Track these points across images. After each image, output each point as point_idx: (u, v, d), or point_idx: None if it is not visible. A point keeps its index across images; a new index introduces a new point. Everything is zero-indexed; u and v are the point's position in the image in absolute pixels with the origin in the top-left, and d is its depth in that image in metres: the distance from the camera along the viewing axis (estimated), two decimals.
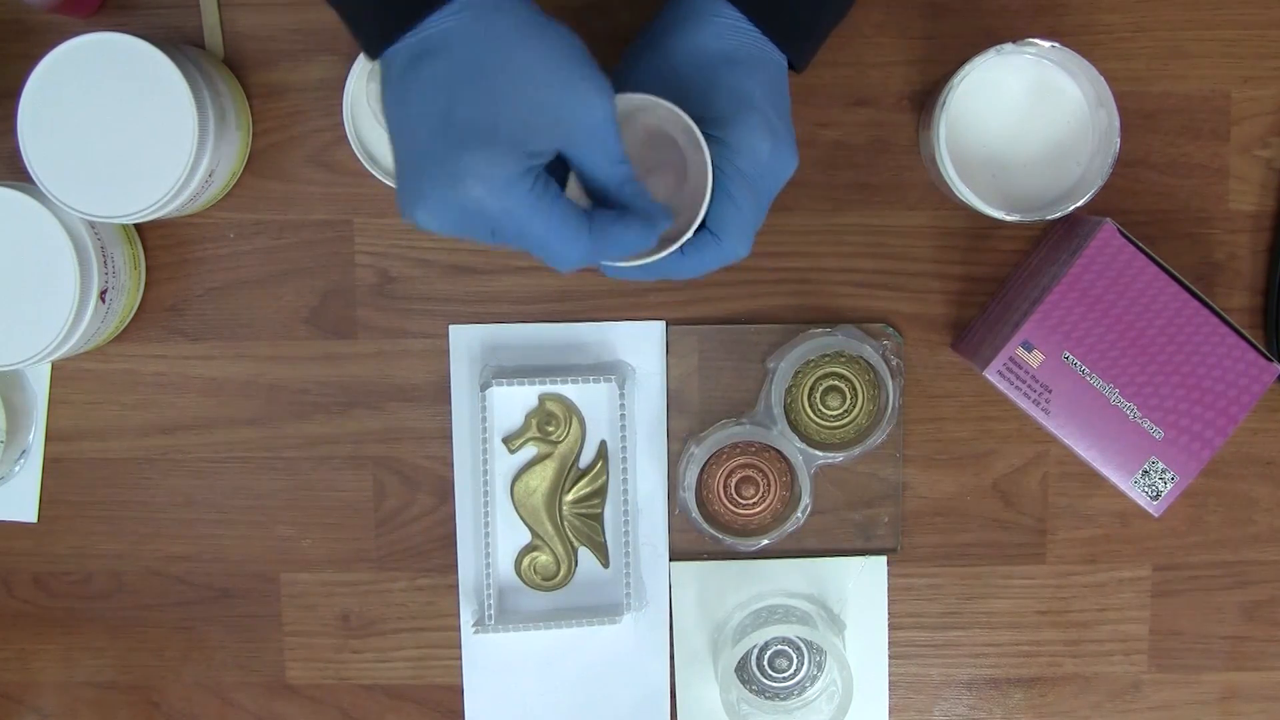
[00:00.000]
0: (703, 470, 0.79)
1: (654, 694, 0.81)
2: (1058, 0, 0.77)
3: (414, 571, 0.81)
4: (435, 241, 0.79)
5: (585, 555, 0.81)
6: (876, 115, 0.78)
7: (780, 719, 0.78)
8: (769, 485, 0.80)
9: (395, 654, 0.81)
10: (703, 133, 0.60)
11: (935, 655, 0.81)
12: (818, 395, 0.79)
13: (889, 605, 0.80)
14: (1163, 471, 0.70)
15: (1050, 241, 0.76)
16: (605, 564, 0.81)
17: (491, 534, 0.78)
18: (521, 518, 0.80)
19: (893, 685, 0.81)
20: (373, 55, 0.59)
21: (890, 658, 0.81)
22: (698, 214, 0.61)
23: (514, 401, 0.79)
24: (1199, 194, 0.78)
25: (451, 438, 0.80)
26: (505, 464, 0.80)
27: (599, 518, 0.80)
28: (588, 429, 0.80)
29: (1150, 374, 0.70)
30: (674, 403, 0.80)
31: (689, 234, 0.61)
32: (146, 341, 0.79)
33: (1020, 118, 0.73)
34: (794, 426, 0.78)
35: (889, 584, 0.80)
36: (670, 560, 0.80)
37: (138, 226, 0.78)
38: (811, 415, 0.79)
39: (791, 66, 0.65)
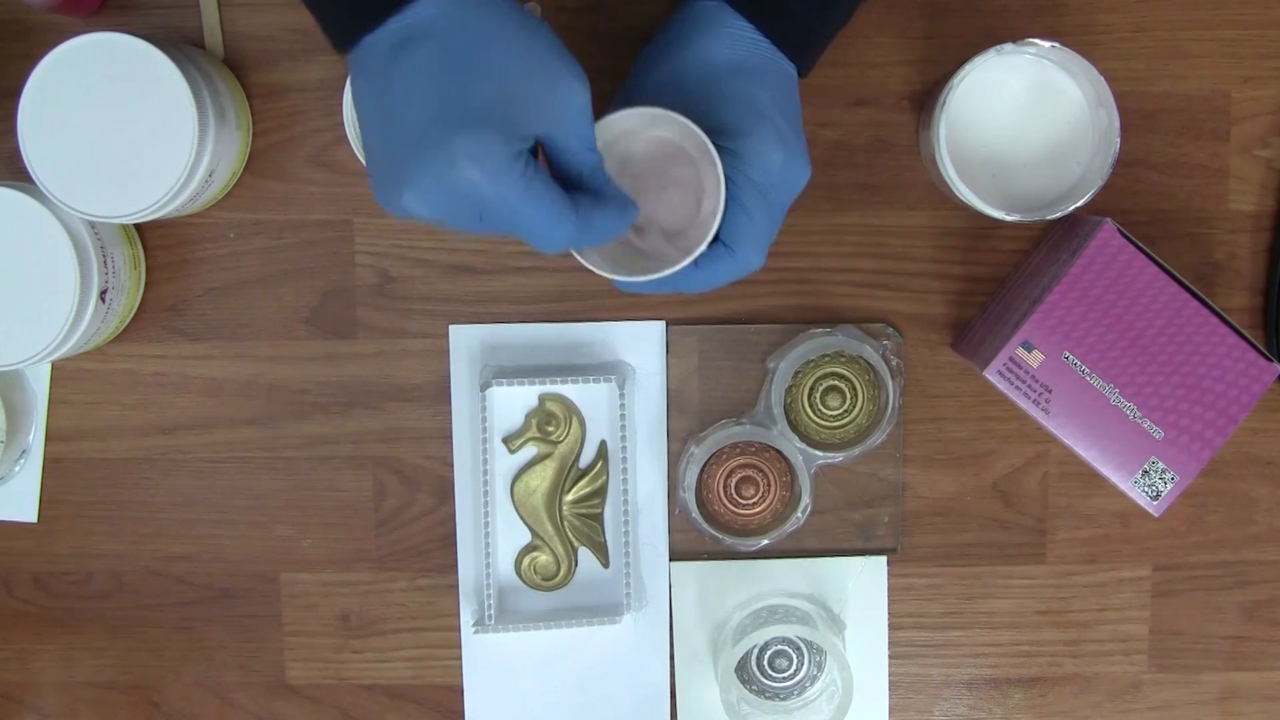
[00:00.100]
0: (703, 470, 0.79)
1: (654, 694, 0.81)
2: (1058, 0, 0.77)
3: (414, 571, 0.81)
4: (435, 241, 0.79)
5: (585, 555, 0.81)
6: (876, 115, 0.78)
7: (780, 719, 0.78)
8: (769, 485, 0.80)
9: (395, 654, 0.81)
10: (714, 144, 0.60)
11: (935, 655, 0.81)
12: (818, 395, 0.79)
13: (889, 605, 0.80)
14: (1163, 471, 0.70)
15: (1050, 241, 0.76)
16: (605, 564, 0.81)
17: (491, 534, 0.78)
18: (521, 518, 0.80)
19: (893, 685, 0.81)
20: (347, 44, 0.59)
21: (890, 658, 0.81)
22: (711, 226, 0.61)
23: (514, 401, 0.79)
24: (1199, 194, 0.78)
25: (451, 438, 0.80)
26: (505, 464, 0.80)
27: (599, 518, 0.80)
28: (588, 429, 0.80)
29: (1150, 374, 0.70)
30: (674, 403, 0.80)
31: (702, 247, 0.61)
32: (146, 341, 0.79)
33: (1020, 118, 0.73)
34: (794, 426, 0.78)
35: (889, 584, 0.80)
36: (670, 560, 0.80)
37: (138, 226, 0.78)
38: (811, 415, 0.79)
39: (797, 73, 0.65)
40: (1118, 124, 0.71)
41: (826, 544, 0.81)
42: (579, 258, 0.63)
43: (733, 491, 0.80)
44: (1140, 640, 0.81)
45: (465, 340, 0.79)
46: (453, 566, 0.80)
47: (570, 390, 0.79)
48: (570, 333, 0.79)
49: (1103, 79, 0.71)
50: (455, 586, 0.80)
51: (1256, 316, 0.79)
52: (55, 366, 0.79)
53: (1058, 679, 0.81)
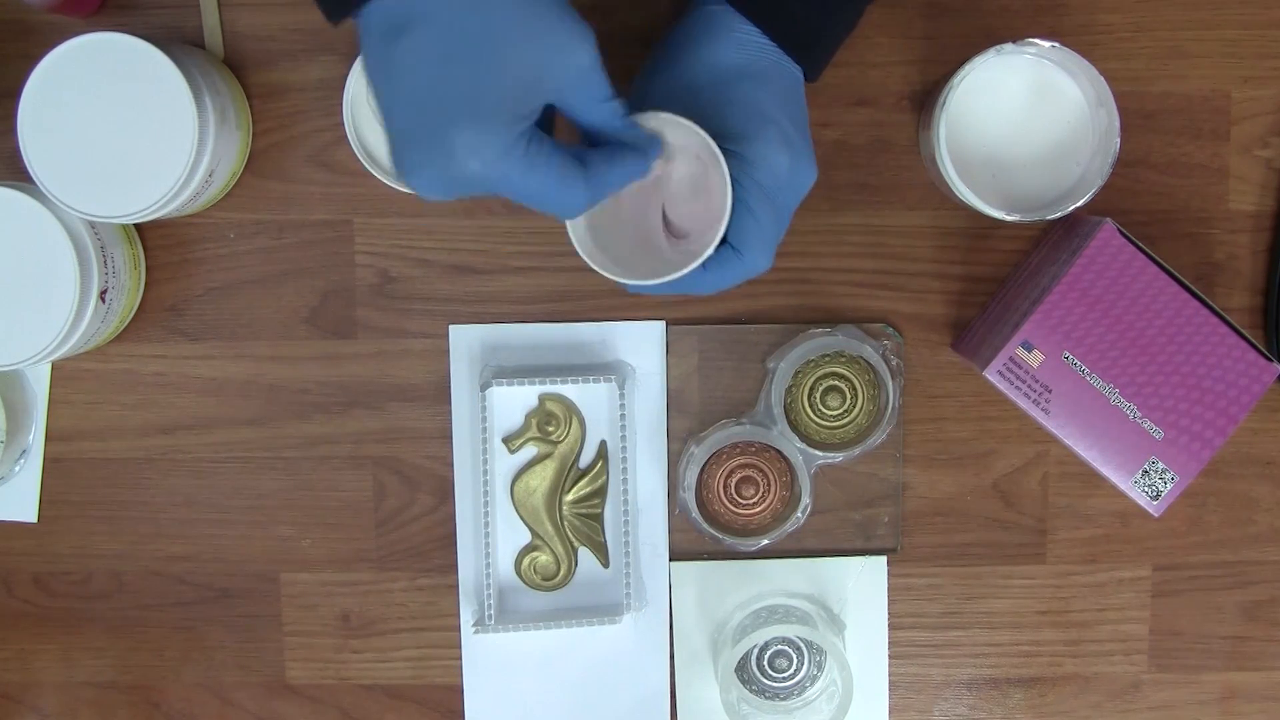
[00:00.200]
0: (703, 470, 0.79)
1: (654, 694, 0.81)
2: (1058, 0, 0.77)
3: (414, 571, 0.80)
4: (435, 241, 0.79)
5: (585, 555, 0.81)
6: (876, 115, 0.78)
7: (780, 719, 0.78)
8: (769, 485, 0.80)
9: (395, 654, 0.81)
10: (721, 148, 0.60)
11: (935, 655, 0.81)
12: (818, 395, 0.79)
13: (889, 605, 0.80)
14: (1163, 471, 0.70)
15: (1050, 241, 0.76)
16: (605, 564, 0.81)
17: (491, 534, 0.78)
18: (521, 518, 0.80)
19: (893, 685, 0.81)
20: (341, 15, 0.57)
21: (890, 658, 0.81)
22: (719, 229, 0.61)
23: (514, 401, 0.79)
24: (1199, 194, 0.78)
25: (451, 438, 0.80)
26: (505, 464, 0.80)
27: (599, 518, 0.80)
28: (588, 429, 0.80)
29: (1150, 374, 0.70)
30: (674, 403, 0.80)
31: (710, 249, 0.61)
32: (146, 341, 0.79)
33: (1020, 118, 0.73)
34: (794, 426, 0.78)
35: (889, 584, 0.80)
36: (670, 560, 0.80)
37: (138, 226, 0.78)
38: (811, 415, 0.79)
39: (805, 77, 0.65)
40: (1118, 124, 0.71)
41: (826, 544, 0.81)
42: (588, 261, 0.63)
43: (733, 491, 0.80)
44: (1140, 640, 0.81)
45: (465, 340, 0.79)
46: (453, 566, 0.80)
47: (570, 390, 0.79)
48: (570, 333, 0.79)
49: (1103, 79, 0.71)
50: (455, 586, 0.80)
51: (1256, 316, 0.79)
52: (55, 366, 0.79)
53: (1058, 679, 0.81)
